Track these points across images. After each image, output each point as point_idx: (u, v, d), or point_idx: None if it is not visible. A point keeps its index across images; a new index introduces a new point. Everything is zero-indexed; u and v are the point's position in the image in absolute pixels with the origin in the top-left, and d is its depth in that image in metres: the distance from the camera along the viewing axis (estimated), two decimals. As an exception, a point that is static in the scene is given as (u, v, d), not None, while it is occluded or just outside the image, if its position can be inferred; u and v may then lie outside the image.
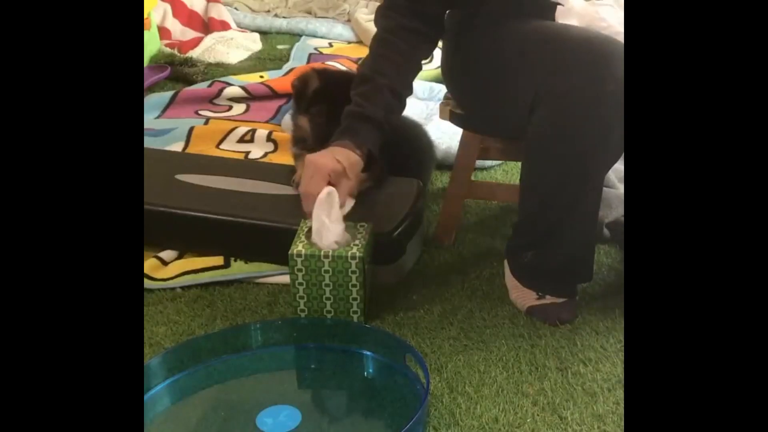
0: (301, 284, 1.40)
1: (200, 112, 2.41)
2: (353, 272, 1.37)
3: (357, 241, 1.40)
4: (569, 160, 1.31)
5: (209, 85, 2.58)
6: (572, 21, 1.38)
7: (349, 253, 1.37)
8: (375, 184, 1.61)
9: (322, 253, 1.37)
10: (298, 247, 1.39)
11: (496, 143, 1.65)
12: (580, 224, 1.37)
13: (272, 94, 2.48)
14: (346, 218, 1.41)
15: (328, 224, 1.38)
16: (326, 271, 1.38)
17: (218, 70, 2.79)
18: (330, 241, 1.38)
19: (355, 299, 1.40)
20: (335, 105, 1.52)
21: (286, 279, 1.47)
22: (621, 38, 1.31)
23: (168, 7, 3.16)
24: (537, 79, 1.30)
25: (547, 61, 1.30)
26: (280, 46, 3.18)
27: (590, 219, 1.38)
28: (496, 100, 1.44)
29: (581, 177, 1.32)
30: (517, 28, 1.39)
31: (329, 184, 1.37)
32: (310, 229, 1.43)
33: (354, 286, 1.39)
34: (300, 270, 1.39)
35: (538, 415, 1.21)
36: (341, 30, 3.33)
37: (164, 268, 1.59)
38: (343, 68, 2.44)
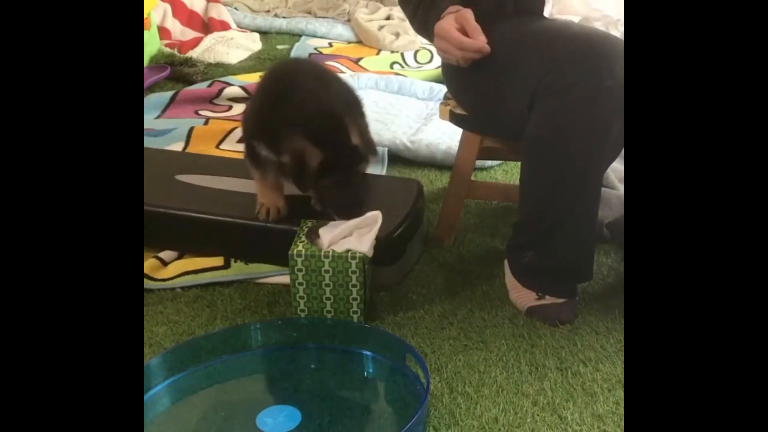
0: (301, 284, 1.40)
1: (200, 112, 2.41)
2: (353, 272, 1.37)
3: None
4: (568, 157, 1.31)
5: (209, 85, 2.58)
6: (570, 13, 1.39)
7: (350, 253, 1.37)
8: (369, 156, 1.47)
9: (322, 252, 1.37)
10: (299, 246, 1.39)
11: (496, 143, 1.65)
12: (580, 223, 1.37)
13: (272, 94, 2.48)
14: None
15: (354, 242, 1.39)
16: (326, 271, 1.38)
17: (218, 70, 2.80)
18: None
19: (355, 299, 1.40)
20: (345, 172, 1.39)
21: (286, 279, 1.47)
22: (619, 26, 1.31)
23: (168, 7, 3.17)
24: (536, 76, 1.30)
25: (545, 58, 1.30)
26: (280, 46, 3.18)
27: (589, 218, 1.38)
28: (496, 99, 1.44)
29: (580, 174, 1.32)
30: (515, 27, 1.39)
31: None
32: (310, 229, 1.43)
33: (354, 286, 1.39)
34: (300, 270, 1.39)
35: (538, 415, 1.21)
36: (341, 30, 3.34)
37: (164, 268, 1.59)
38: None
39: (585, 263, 1.44)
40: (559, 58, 1.28)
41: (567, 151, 1.30)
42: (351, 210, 1.42)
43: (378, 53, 3.08)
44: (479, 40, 1.38)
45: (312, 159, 1.37)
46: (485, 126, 1.58)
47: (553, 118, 1.30)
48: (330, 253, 1.37)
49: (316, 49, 3.14)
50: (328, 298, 1.41)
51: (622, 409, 1.21)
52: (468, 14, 1.40)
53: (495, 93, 1.43)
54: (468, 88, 1.53)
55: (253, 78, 2.63)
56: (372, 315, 1.46)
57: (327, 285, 1.39)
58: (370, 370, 1.34)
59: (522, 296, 1.47)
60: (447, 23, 1.41)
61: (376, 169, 2.04)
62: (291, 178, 1.43)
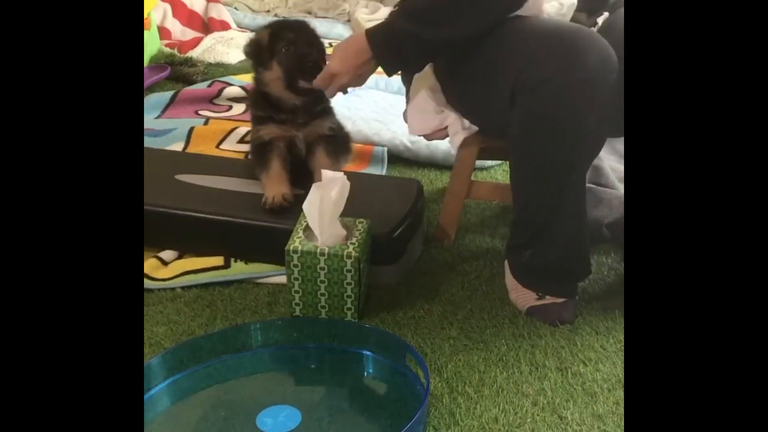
0: (296, 279, 1.40)
1: (200, 112, 2.41)
2: (348, 271, 1.38)
3: (354, 240, 1.40)
4: (547, 153, 1.31)
5: (209, 85, 2.58)
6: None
7: (345, 252, 1.37)
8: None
9: (318, 250, 1.37)
10: (295, 243, 1.39)
11: (496, 143, 1.65)
12: (569, 218, 1.38)
13: (272, 94, 2.48)
14: (345, 214, 1.42)
15: (326, 225, 1.39)
16: (322, 269, 1.38)
17: (218, 70, 2.79)
18: (326, 238, 1.39)
19: (349, 297, 1.40)
20: (298, 33, 1.61)
21: (285, 279, 1.47)
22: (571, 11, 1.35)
23: (168, 7, 3.16)
24: (513, 74, 1.30)
25: (520, 56, 1.30)
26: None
27: (578, 213, 1.38)
28: (480, 99, 1.44)
29: (562, 169, 1.33)
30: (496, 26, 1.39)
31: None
32: (307, 226, 1.44)
33: (349, 284, 1.39)
34: (296, 266, 1.39)
35: (538, 415, 1.21)
36: (341, 30, 3.34)
37: (164, 268, 1.59)
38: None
39: (579, 260, 1.44)
40: (533, 55, 1.28)
41: (546, 147, 1.31)
42: (303, 69, 1.57)
43: (378, 53, 3.07)
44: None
45: (263, 37, 1.63)
46: (480, 127, 1.59)
47: (530, 114, 1.30)
48: (326, 251, 1.37)
49: (316, 49, 3.13)
50: (322, 294, 1.41)
51: (622, 409, 1.21)
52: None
53: (479, 93, 1.43)
54: (455, 89, 1.53)
55: (253, 78, 2.64)
56: (372, 315, 1.46)
57: (322, 282, 1.40)
58: (370, 370, 1.34)
59: (522, 296, 1.47)
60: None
61: (376, 169, 2.05)
62: (254, 60, 1.67)
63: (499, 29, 1.36)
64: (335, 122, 1.76)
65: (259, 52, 1.64)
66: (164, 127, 2.27)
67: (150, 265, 1.59)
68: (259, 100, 1.70)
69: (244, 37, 3.11)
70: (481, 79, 1.40)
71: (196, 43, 3.00)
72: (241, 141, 2.18)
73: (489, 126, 1.52)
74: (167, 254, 1.63)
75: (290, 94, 1.64)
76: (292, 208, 1.56)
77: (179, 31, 3.20)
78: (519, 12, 1.36)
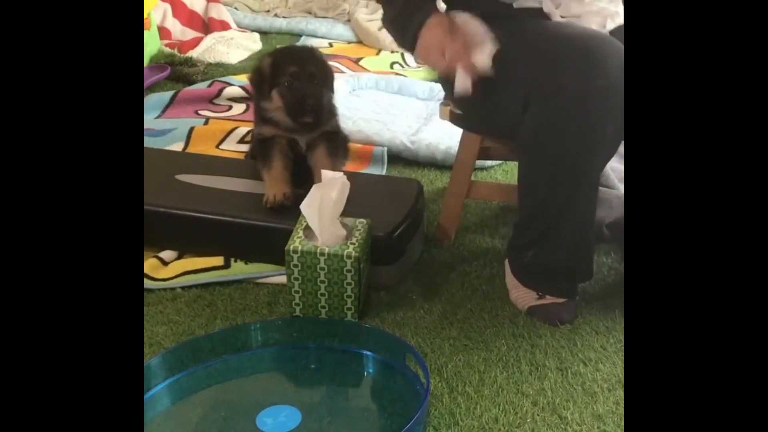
0: (296, 279, 1.40)
1: (200, 112, 2.41)
2: (348, 271, 1.38)
3: (354, 240, 1.40)
4: (562, 158, 1.31)
5: (209, 85, 2.58)
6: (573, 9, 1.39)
7: (345, 252, 1.37)
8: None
9: (318, 250, 1.38)
10: (295, 243, 1.39)
11: (496, 143, 1.65)
12: (577, 222, 1.37)
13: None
14: (345, 214, 1.42)
15: (326, 225, 1.39)
16: (322, 269, 1.38)
17: (218, 70, 2.79)
18: (326, 238, 1.39)
19: (349, 297, 1.40)
20: (302, 66, 1.63)
21: (285, 279, 1.47)
22: (618, 18, 1.35)
23: (168, 7, 3.16)
24: (528, 78, 1.30)
25: (537, 60, 1.30)
26: (280, 46, 3.18)
27: (587, 218, 1.38)
28: (491, 101, 1.43)
29: (574, 174, 1.32)
30: (509, 28, 1.39)
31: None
32: (307, 226, 1.44)
33: (349, 284, 1.39)
34: (296, 266, 1.39)
35: (538, 415, 1.21)
36: (341, 30, 3.33)
37: (164, 268, 1.59)
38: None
39: (584, 263, 1.44)
40: (551, 60, 1.28)
41: (560, 153, 1.30)
42: (304, 110, 1.62)
43: (378, 53, 3.07)
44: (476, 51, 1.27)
45: (265, 65, 1.66)
46: (483, 126, 1.58)
47: (545, 120, 1.29)
48: (326, 251, 1.37)
49: (316, 49, 3.13)
50: (322, 294, 1.41)
51: (622, 409, 1.21)
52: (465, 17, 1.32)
53: (490, 95, 1.42)
54: None
55: (253, 78, 2.64)
56: (372, 315, 1.46)
57: (322, 282, 1.40)
58: (370, 370, 1.34)
59: (522, 296, 1.47)
60: (435, 21, 1.33)
61: (376, 169, 2.05)
62: (255, 89, 1.72)
63: (515, 31, 1.35)
64: (336, 122, 1.77)
65: (261, 82, 1.68)
66: (164, 127, 2.27)
67: (150, 265, 1.59)
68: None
69: (244, 37, 3.12)
70: (494, 81, 1.40)
71: (196, 43, 3.00)
72: (241, 141, 2.18)
73: (496, 127, 1.52)
74: (167, 254, 1.63)
75: (291, 121, 1.68)
76: (292, 207, 1.56)
77: (179, 31, 3.19)
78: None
